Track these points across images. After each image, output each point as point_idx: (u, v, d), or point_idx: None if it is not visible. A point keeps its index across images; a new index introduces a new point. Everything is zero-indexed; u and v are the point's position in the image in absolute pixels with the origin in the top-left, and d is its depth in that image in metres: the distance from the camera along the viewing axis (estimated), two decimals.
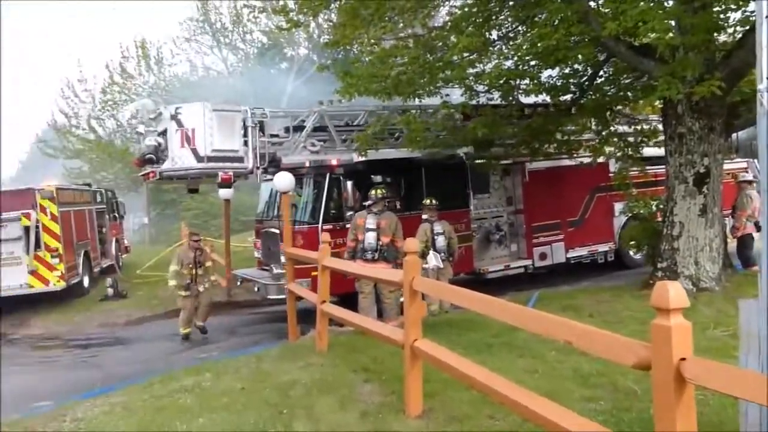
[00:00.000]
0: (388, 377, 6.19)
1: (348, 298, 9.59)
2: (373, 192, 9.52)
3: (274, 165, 10.79)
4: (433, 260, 9.43)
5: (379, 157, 11.10)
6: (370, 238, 9.16)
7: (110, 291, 15.18)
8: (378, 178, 11.20)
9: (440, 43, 10.51)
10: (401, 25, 10.84)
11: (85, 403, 6.60)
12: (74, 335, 12.26)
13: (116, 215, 22.30)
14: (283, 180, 9.92)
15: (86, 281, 16.22)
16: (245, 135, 10.43)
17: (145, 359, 9.84)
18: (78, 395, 7.35)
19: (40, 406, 7.30)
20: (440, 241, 9.69)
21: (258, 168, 10.60)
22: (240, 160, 10.37)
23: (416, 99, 10.60)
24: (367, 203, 9.67)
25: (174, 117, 10.05)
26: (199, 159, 9.99)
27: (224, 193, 13.59)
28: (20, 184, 21.83)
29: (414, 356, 5.11)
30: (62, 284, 14.20)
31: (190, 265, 10.64)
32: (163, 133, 10.26)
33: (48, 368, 10.02)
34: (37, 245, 14.00)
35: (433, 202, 9.97)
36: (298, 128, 11.26)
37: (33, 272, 13.93)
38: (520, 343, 6.99)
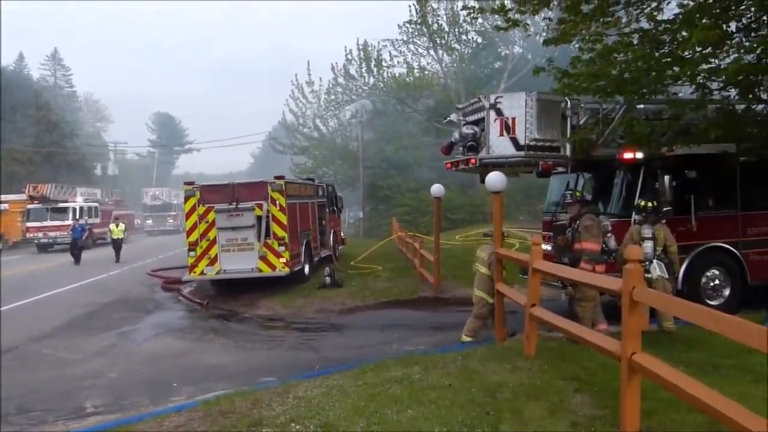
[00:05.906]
0: (600, 389, 5.93)
1: None
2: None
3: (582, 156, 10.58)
4: (657, 270, 8.78)
5: (694, 152, 10.15)
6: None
7: (327, 280, 16.19)
8: (693, 174, 10.54)
9: (669, 38, 9.75)
10: (625, 20, 10.22)
11: (305, 383, 7.13)
12: (296, 318, 13.29)
13: (335, 209, 23.87)
14: (496, 179, 9.71)
15: (307, 269, 17.54)
16: (562, 125, 10.31)
17: (358, 346, 10.39)
18: (299, 375, 7.98)
19: (267, 381, 8.05)
20: (647, 247, 8.82)
21: (571, 159, 10.46)
22: (557, 150, 10.27)
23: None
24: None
25: (493, 106, 10.19)
26: (519, 148, 10.05)
27: (435, 190, 13.88)
28: (252, 178, 24.09)
29: (632, 371, 4.80)
30: (287, 270, 15.54)
31: None
32: (477, 123, 10.53)
33: (273, 346, 10.99)
34: (267, 234, 15.47)
35: (649, 205, 9.20)
36: (606, 120, 10.57)
37: (263, 258, 15.45)
38: (755, 368, 6.31)
